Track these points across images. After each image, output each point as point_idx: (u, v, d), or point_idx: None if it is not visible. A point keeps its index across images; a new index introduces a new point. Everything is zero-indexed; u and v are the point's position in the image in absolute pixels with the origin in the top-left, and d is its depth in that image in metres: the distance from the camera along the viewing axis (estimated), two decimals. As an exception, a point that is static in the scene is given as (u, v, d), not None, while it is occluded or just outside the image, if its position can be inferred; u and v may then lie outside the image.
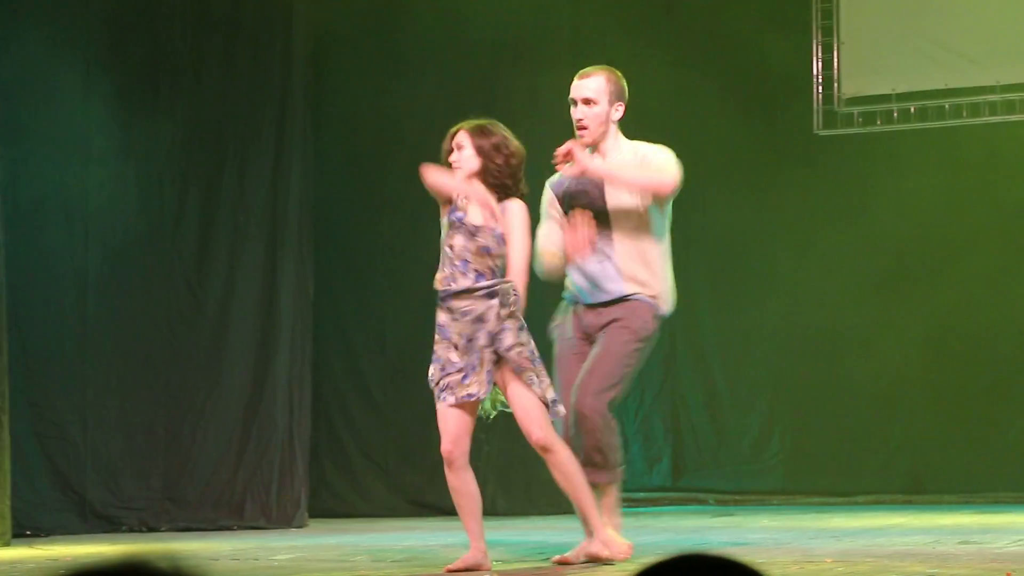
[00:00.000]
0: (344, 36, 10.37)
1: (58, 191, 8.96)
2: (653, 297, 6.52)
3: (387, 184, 10.30)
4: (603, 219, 6.49)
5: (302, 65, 9.61)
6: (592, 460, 6.40)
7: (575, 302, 6.59)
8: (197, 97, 9.32)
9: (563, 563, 6.31)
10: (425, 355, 10.19)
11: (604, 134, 6.52)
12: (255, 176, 9.49)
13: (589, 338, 6.54)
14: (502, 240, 6.14)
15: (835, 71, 10.81)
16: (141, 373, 9.20)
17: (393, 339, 10.34)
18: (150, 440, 9.20)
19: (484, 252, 6.12)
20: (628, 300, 6.47)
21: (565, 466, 6.10)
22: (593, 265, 6.49)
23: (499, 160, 6.17)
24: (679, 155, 6.54)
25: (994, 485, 10.58)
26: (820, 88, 10.86)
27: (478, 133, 6.21)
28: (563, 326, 6.62)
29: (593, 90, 6.51)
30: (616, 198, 6.49)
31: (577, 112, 6.52)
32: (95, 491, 8.98)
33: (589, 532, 6.28)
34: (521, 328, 6.09)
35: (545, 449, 6.07)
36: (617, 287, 6.48)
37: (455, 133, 6.27)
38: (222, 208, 9.40)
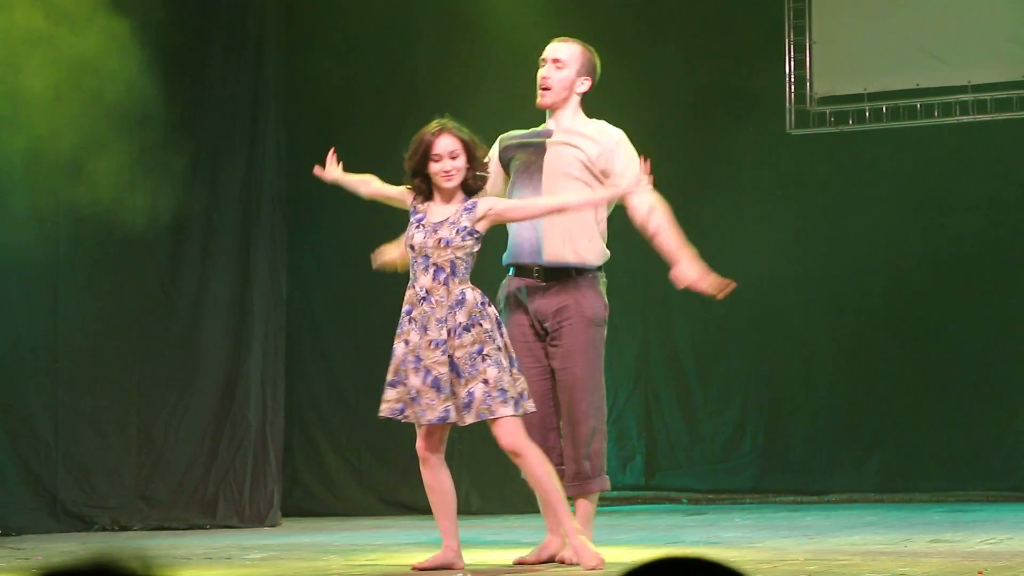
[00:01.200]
0: (317, 32, 10.36)
1: (28, 189, 8.91)
2: (593, 268, 6.42)
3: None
4: (537, 176, 6.39)
5: (275, 64, 9.59)
6: (581, 469, 6.37)
7: (519, 282, 6.46)
8: (169, 96, 9.29)
9: (521, 563, 6.29)
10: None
11: (565, 100, 6.43)
12: (228, 175, 9.47)
13: (540, 326, 6.40)
14: (466, 233, 6.02)
15: (807, 71, 10.84)
16: (113, 372, 9.17)
17: (366, 338, 10.33)
18: (122, 439, 9.17)
19: (444, 244, 6.02)
20: (571, 280, 6.35)
21: (534, 469, 6.00)
22: (526, 230, 6.39)
23: (484, 165, 6.10)
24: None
25: (965, 484, 10.63)
26: (792, 88, 10.88)
27: (468, 137, 6.08)
28: (511, 308, 6.46)
29: (566, 53, 6.43)
30: (556, 152, 6.38)
31: (543, 71, 6.43)
32: (67, 490, 8.94)
33: (552, 531, 6.26)
34: (489, 333, 6.00)
35: (515, 454, 6.00)
36: (554, 252, 6.34)
37: (436, 139, 6.09)
38: (194, 207, 9.37)
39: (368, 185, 6.38)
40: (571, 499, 6.35)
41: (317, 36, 10.36)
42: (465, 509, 9.66)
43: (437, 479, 6.14)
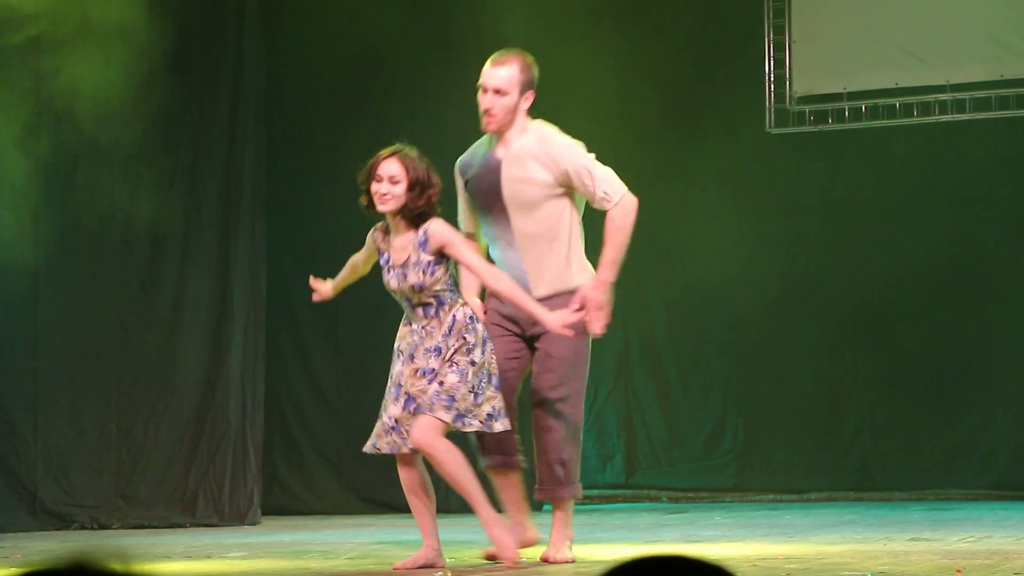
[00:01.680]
0: (295, 28, 10.36)
1: (7, 187, 8.90)
2: (573, 292, 6.42)
3: (340, 180, 10.27)
4: (502, 210, 6.39)
5: (254, 63, 9.58)
6: (554, 474, 6.37)
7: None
8: (148, 94, 9.27)
9: (490, 558, 6.31)
10: (378, 352, 10.22)
11: (511, 123, 6.45)
12: (207, 172, 9.46)
13: (522, 331, 6.39)
14: (432, 266, 6.06)
15: (787, 69, 10.85)
16: (93, 370, 9.16)
17: (346, 337, 10.34)
18: (102, 437, 9.16)
19: (419, 288, 6.06)
20: (552, 300, 6.30)
21: (443, 466, 6.06)
22: (503, 259, 6.39)
23: (426, 196, 6.10)
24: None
25: (944, 482, 10.66)
26: (772, 86, 10.89)
27: (414, 167, 6.09)
28: (493, 310, 6.44)
29: (504, 79, 6.41)
30: (512, 188, 6.38)
31: (486, 100, 6.42)
32: (46, 488, 8.93)
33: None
34: (469, 346, 6.05)
35: (427, 453, 6.05)
36: (535, 287, 6.32)
37: (382, 161, 6.12)
38: (174, 204, 9.36)
39: (355, 265, 6.55)
40: (544, 504, 6.37)
41: (295, 32, 10.36)
42: (445, 508, 9.65)
43: (415, 479, 6.16)
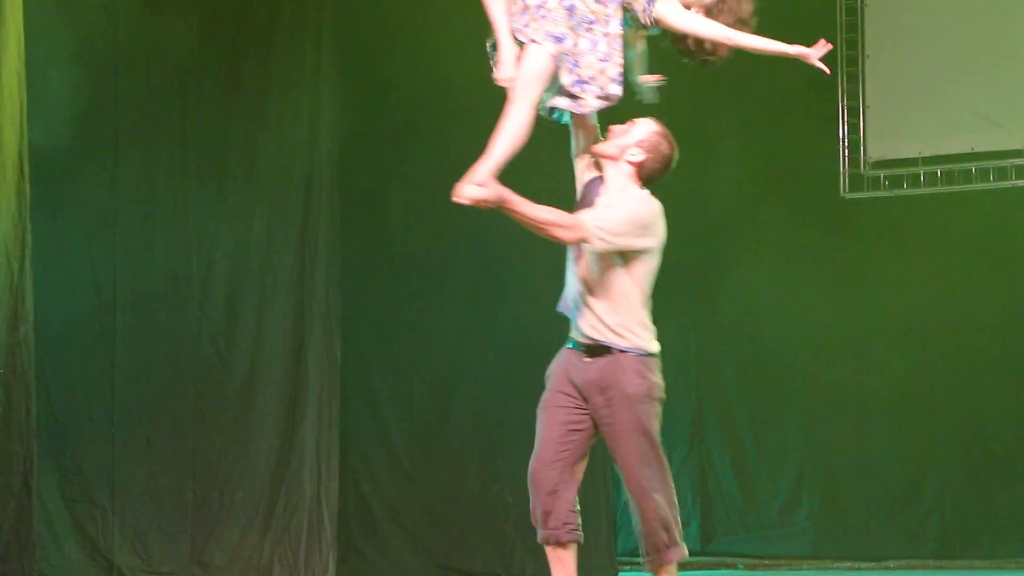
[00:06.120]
0: (370, 95, 10.44)
1: (87, 256, 9.01)
2: (636, 348, 6.36)
3: (412, 245, 10.34)
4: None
5: (328, 130, 9.67)
6: (659, 539, 6.25)
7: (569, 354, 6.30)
8: (224, 162, 9.37)
9: None
10: (452, 417, 10.24)
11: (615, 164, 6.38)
12: (281, 238, 9.53)
13: (578, 393, 6.21)
14: None
15: (861, 134, 10.83)
16: (169, 437, 9.21)
17: (421, 403, 10.34)
18: (178, 504, 9.20)
19: None
20: (612, 354, 6.16)
21: None
22: (572, 295, 6.24)
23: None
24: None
25: (1025, 550, 10.53)
26: (847, 151, 10.87)
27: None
28: (555, 368, 6.29)
29: (642, 121, 6.35)
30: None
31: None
32: (123, 556, 8.97)
33: None
34: None
35: None
36: (592, 332, 6.17)
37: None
38: (249, 270, 9.43)
39: None
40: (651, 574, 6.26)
41: (370, 99, 10.41)
42: (521, 574, 9.66)
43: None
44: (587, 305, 6.19)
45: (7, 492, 8.02)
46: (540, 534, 6.31)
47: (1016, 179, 10.49)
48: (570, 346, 6.26)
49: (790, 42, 6.08)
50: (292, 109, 9.62)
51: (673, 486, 6.32)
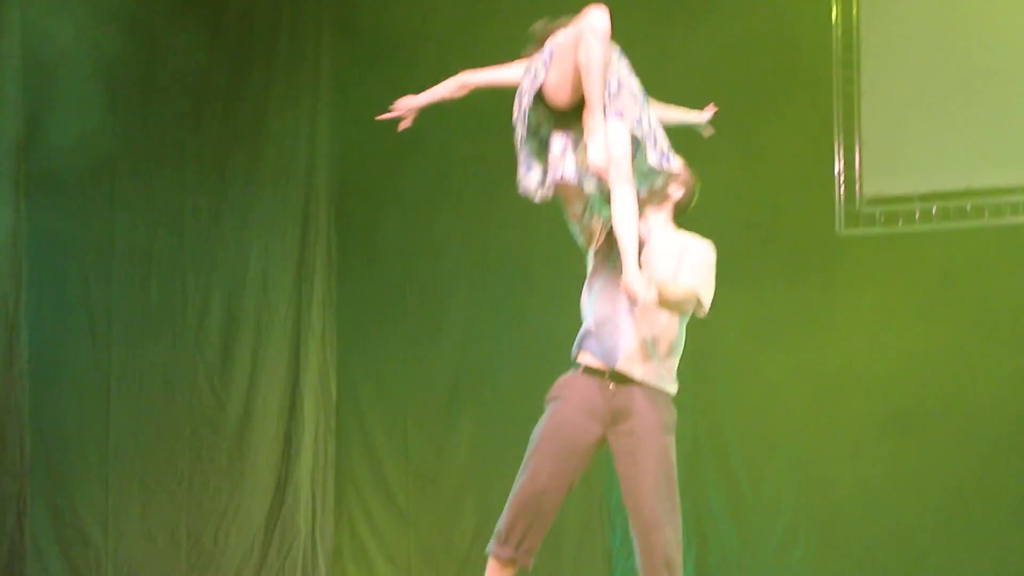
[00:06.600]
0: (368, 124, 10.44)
1: (81, 295, 8.99)
2: (665, 387, 6.33)
3: (408, 283, 10.32)
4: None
5: (326, 166, 9.67)
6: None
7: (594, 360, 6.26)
8: (219, 198, 9.37)
9: None
10: (448, 456, 10.21)
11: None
12: (278, 276, 9.53)
13: (597, 419, 6.16)
14: None
15: (856, 171, 10.84)
16: (163, 476, 9.19)
17: (417, 443, 10.31)
18: (172, 543, 9.17)
19: None
20: (640, 384, 6.17)
21: None
22: (615, 331, 6.22)
23: None
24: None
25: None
26: (842, 188, 10.88)
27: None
28: (566, 393, 6.24)
29: None
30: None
31: None
32: (117, 595, 8.94)
33: None
34: None
35: None
36: (648, 376, 6.19)
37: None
38: (244, 309, 9.42)
39: None
40: None
41: (368, 129, 10.40)
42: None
43: None
44: (644, 349, 6.18)
45: (0, 531, 7.99)
46: (503, 551, 6.18)
47: (1012, 216, 10.49)
48: (588, 372, 6.21)
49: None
50: (289, 145, 9.63)
51: (681, 527, 6.27)
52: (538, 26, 5.97)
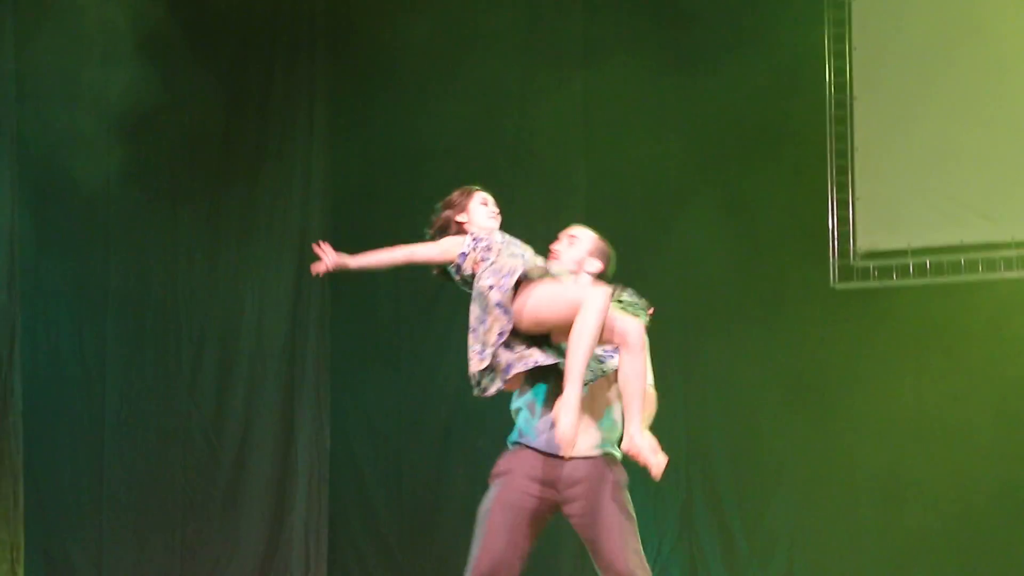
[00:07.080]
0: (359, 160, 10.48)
1: (76, 344, 9.02)
2: (608, 449, 6.30)
3: (402, 332, 10.34)
4: None
5: (320, 202, 9.71)
6: None
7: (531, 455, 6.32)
8: (215, 248, 9.40)
9: None
10: (441, 505, 10.22)
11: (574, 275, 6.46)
12: (272, 325, 9.55)
13: (548, 489, 6.18)
14: None
15: (851, 226, 10.88)
16: (157, 524, 9.20)
17: (410, 490, 10.32)
18: (166, 592, 9.19)
19: None
20: (587, 457, 6.17)
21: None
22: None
23: None
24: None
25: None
26: (836, 242, 10.92)
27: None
28: (510, 467, 6.32)
29: (582, 233, 6.49)
30: None
31: (557, 245, 6.43)
32: (109, 645, 8.95)
33: None
34: None
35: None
36: (610, 446, 6.22)
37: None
38: (238, 358, 9.45)
39: None
40: None
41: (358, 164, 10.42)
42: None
43: None
44: (582, 425, 6.16)
45: (-6, 580, 8.02)
46: None
47: (1005, 271, 10.52)
48: (529, 447, 6.25)
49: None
50: (283, 200, 9.67)
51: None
52: (455, 196, 6.37)
